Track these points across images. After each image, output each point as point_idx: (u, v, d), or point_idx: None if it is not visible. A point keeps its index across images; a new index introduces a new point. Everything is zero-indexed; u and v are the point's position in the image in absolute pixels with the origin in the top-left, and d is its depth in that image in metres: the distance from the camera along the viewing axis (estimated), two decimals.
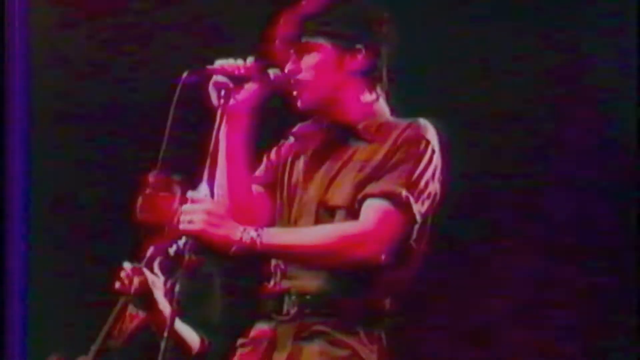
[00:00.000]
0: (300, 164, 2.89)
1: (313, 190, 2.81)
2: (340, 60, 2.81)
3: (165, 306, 3.53)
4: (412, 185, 2.71)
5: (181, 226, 2.68)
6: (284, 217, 2.86)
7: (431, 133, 2.77)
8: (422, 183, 2.72)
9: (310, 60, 2.82)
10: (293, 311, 2.75)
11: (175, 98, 2.74)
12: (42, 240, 5.01)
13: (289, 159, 2.92)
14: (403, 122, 2.80)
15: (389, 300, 2.77)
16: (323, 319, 2.73)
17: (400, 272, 2.76)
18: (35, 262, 4.99)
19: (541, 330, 4.29)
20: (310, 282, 2.75)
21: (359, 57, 2.81)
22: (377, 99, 2.86)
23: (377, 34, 2.84)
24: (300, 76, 2.82)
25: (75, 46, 5.04)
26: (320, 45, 2.81)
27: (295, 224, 2.81)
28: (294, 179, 2.88)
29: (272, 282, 2.83)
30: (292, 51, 2.84)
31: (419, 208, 2.72)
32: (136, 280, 3.39)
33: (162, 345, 2.64)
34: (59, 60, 5.07)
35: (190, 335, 3.67)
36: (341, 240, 2.68)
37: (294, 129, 2.96)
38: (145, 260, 3.46)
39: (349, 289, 2.72)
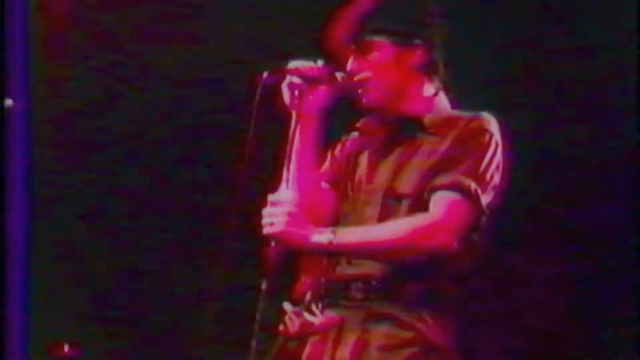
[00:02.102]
0: (364, 157, 3.01)
1: (379, 180, 2.91)
2: (400, 57, 2.94)
3: None
4: (479, 177, 2.82)
5: (264, 230, 2.80)
6: (350, 208, 2.95)
7: (494, 126, 2.89)
8: (488, 175, 2.84)
9: (371, 58, 2.94)
10: (360, 296, 2.87)
11: (256, 98, 2.85)
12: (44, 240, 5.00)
13: (354, 153, 3.04)
14: (466, 115, 2.93)
15: (452, 285, 2.88)
16: (388, 303, 2.84)
17: (464, 261, 2.87)
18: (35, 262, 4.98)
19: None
20: (375, 268, 2.85)
21: (418, 52, 2.95)
22: (437, 92, 2.99)
23: (431, 28, 2.97)
24: (363, 74, 2.94)
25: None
26: (380, 43, 2.93)
27: (362, 213, 2.91)
28: (358, 172, 2.99)
29: (337, 270, 2.92)
30: (352, 50, 2.96)
31: (485, 200, 2.84)
32: (297, 322, 3.35)
33: None
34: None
35: None
36: (414, 233, 2.79)
37: (358, 124, 3.07)
38: (304, 303, 3.39)
39: (414, 274, 2.83)
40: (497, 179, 2.88)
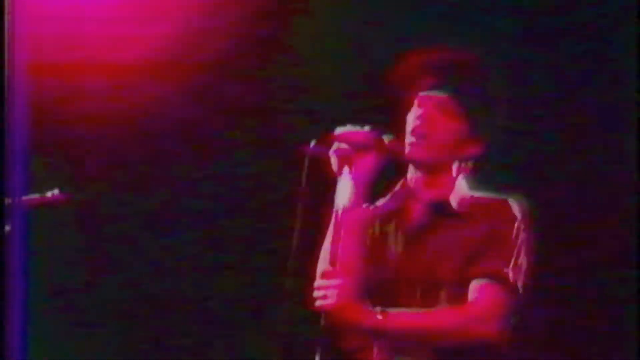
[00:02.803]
0: (393, 231, 2.96)
1: (418, 265, 2.88)
2: (462, 140, 2.91)
3: None
4: (513, 264, 2.87)
5: (316, 303, 2.77)
6: (387, 286, 2.90)
7: (520, 210, 2.91)
8: (519, 260, 2.88)
9: (433, 113, 2.89)
10: None
11: (305, 168, 2.80)
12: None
13: (378, 224, 2.98)
14: (492, 198, 2.94)
15: None
16: None
17: (506, 346, 2.90)
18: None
19: None
20: (421, 354, 2.85)
21: (477, 147, 2.94)
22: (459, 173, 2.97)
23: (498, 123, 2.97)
24: (421, 126, 2.89)
25: None
26: (450, 104, 2.88)
27: (399, 294, 2.88)
28: (390, 248, 2.94)
29: (384, 356, 2.88)
30: (415, 101, 2.91)
31: (519, 285, 2.88)
32: None
33: None
34: None
35: None
36: (462, 320, 2.83)
37: (387, 202, 3.00)
38: None
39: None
40: (525, 261, 2.91)
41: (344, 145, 2.85)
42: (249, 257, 4.75)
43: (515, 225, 2.89)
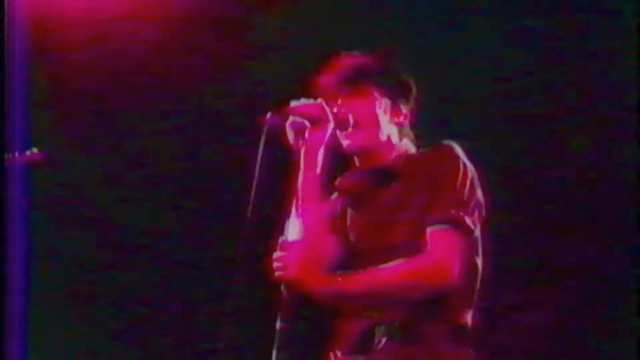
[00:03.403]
0: (349, 214, 3.02)
1: (369, 236, 2.94)
2: (387, 111, 3.01)
3: None
4: (459, 202, 2.86)
5: (275, 274, 2.85)
6: (347, 267, 2.93)
7: (456, 149, 2.93)
8: (465, 197, 2.87)
9: (361, 103, 2.99)
10: (384, 340, 2.89)
11: (262, 139, 2.87)
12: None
13: (341, 210, 3.05)
14: (426, 150, 3.00)
15: (470, 314, 2.92)
16: (411, 345, 2.87)
17: (472, 284, 2.91)
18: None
19: None
20: (395, 311, 2.88)
21: (403, 114, 3.02)
22: (402, 137, 3.05)
23: (414, 96, 3.06)
24: (352, 115, 2.98)
25: None
26: (372, 92, 3.00)
27: (360, 269, 2.88)
28: (348, 228, 3.00)
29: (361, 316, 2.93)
30: (342, 93, 2.99)
31: (470, 221, 2.87)
32: None
33: None
34: None
35: None
36: (416, 273, 2.83)
37: (337, 182, 3.07)
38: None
39: (432, 311, 2.86)
40: (476, 197, 2.91)
41: (298, 119, 2.93)
42: None
43: (460, 164, 2.89)
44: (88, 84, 4.97)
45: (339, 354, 2.94)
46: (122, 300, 5.03)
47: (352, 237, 2.98)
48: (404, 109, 3.05)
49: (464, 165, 2.91)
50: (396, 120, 3.02)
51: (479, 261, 2.94)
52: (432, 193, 2.87)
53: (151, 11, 4.86)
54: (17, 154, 3.81)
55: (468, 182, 2.89)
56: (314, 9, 4.73)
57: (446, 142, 2.96)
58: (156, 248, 5.01)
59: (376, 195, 2.98)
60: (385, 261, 2.86)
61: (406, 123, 3.05)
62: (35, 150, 3.84)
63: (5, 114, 3.71)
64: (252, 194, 2.87)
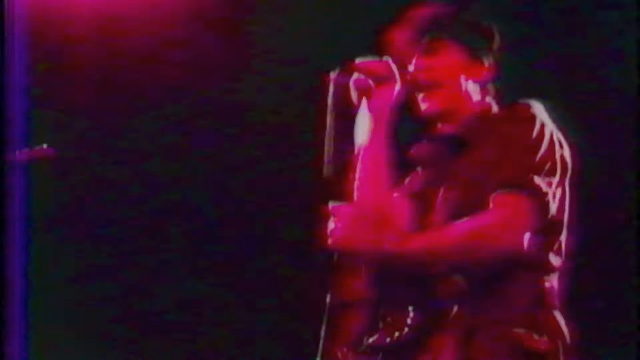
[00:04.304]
0: (427, 184, 2.82)
1: (447, 206, 2.71)
2: (468, 68, 2.82)
3: None
4: (529, 165, 2.65)
5: (328, 240, 2.69)
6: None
7: (534, 108, 2.73)
8: (539, 158, 2.66)
9: (439, 61, 2.81)
10: (455, 308, 2.67)
11: (330, 97, 2.73)
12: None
13: (419, 181, 2.86)
14: (502, 111, 2.81)
15: (555, 278, 2.72)
16: (485, 313, 2.67)
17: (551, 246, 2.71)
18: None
19: None
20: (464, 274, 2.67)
21: (484, 70, 2.83)
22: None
23: (497, 46, 2.86)
24: (430, 76, 2.80)
25: None
26: (451, 47, 2.80)
27: None
28: (428, 200, 2.77)
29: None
30: (419, 50, 2.81)
31: (542, 183, 2.65)
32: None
33: None
34: None
35: None
36: (478, 233, 2.61)
37: (412, 152, 2.88)
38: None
39: (508, 274, 2.67)
40: (557, 156, 2.69)
41: (362, 77, 2.78)
42: None
43: (534, 124, 2.69)
44: (88, 83, 4.88)
45: (345, 349, 2.77)
46: (122, 301, 4.92)
47: (433, 211, 2.74)
48: (487, 62, 2.84)
49: (541, 125, 2.70)
50: (478, 76, 2.82)
51: (565, 217, 2.71)
52: (505, 151, 2.65)
53: (152, 9, 4.79)
54: (27, 150, 3.62)
55: (544, 143, 2.67)
56: (314, 8, 4.68)
57: (522, 101, 2.76)
58: (156, 248, 4.92)
59: (454, 164, 2.76)
60: None
61: (489, 78, 2.85)
62: (45, 146, 3.65)
63: (5, 114, 3.58)
64: (326, 154, 2.71)
